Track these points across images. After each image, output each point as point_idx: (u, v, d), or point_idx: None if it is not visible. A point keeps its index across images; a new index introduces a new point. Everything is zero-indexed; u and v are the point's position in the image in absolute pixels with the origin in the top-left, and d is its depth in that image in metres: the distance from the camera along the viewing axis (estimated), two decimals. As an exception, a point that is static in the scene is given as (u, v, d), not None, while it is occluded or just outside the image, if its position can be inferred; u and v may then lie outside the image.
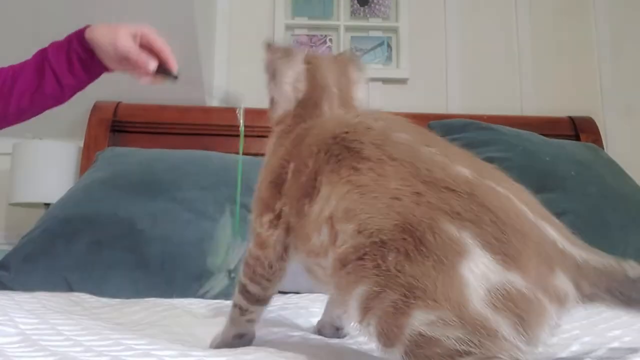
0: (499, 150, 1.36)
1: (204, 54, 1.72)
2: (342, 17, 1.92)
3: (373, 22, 1.94)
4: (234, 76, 1.89)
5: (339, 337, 0.65)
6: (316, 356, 0.51)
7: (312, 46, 1.92)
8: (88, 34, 0.86)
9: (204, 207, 1.17)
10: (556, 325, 0.38)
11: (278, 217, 0.54)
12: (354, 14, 1.94)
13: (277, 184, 0.54)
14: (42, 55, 0.90)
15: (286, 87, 0.62)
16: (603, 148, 1.71)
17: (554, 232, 0.39)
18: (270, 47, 0.66)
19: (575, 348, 0.55)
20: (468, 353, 0.35)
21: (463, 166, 0.42)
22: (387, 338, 0.39)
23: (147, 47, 0.83)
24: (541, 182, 1.19)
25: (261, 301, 0.58)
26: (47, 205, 1.57)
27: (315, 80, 0.62)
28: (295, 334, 0.65)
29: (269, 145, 0.61)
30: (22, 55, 0.95)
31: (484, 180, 0.41)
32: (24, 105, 0.90)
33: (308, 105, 0.60)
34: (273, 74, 0.63)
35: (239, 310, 0.58)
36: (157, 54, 0.83)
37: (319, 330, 0.67)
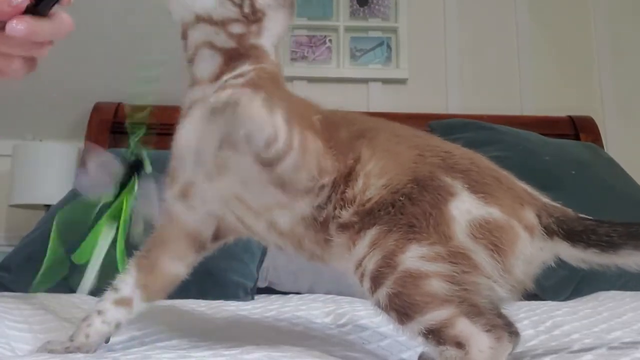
0: (498, 149, 1.36)
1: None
2: (342, 17, 1.93)
3: (372, 22, 1.94)
4: (233, 77, 1.90)
5: None
6: (317, 356, 0.51)
7: (312, 47, 1.92)
8: None
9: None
10: (530, 261, 0.45)
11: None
12: (353, 14, 1.94)
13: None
14: None
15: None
16: (603, 147, 1.71)
17: (522, 184, 0.49)
18: None
19: (577, 346, 0.55)
20: (448, 301, 0.42)
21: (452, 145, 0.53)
22: (378, 277, 0.45)
23: None
24: (540, 181, 1.18)
25: None
26: (47, 206, 1.57)
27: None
28: (296, 333, 0.65)
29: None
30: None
31: (471, 151, 0.52)
32: None
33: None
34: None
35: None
36: None
37: None
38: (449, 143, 0.53)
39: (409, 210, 0.46)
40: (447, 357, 0.43)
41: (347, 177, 0.51)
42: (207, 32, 0.57)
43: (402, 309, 0.44)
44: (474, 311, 0.43)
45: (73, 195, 1.27)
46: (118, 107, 1.68)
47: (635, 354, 0.49)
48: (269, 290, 1.15)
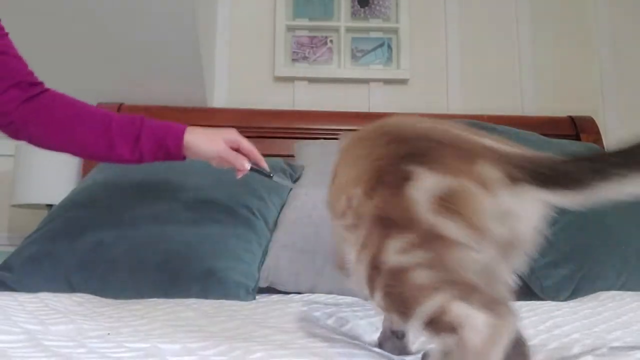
0: (499, 150, 1.36)
1: (206, 54, 1.72)
2: (343, 18, 1.93)
3: (373, 23, 1.94)
4: (235, 77, 1.90)
5: (404, 352, 0.58)
6: (319, 356, 0.51)
7: (312, 47, 1.92)
8: (187, 140, 0.99)
9: (206, 208, 1.18)
10: (503, 214, 0.42)
11: None
12: (354, 15, 1.94)
13: None
14: (134, 128, 1.00)
15: None
16: (604, 148, 1.71)
17: (490, 141, 0.46)
18: None
19: (576, 350, 0.55)
20: (437, 288, 0.41)
21: (429, 123, 0.51)
22: (370, 281, 0.45)
23: (235, 149, 1.02)
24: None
25: None
26: (49, 206, 1.58)
27: None
28: (298, 333, 0.65)
29: None
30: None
31: (439, 125, 0.50)
32: (94, 150, 1.00)
33: None
34: None
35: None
36: (246, 154, 1.02)
37: (380, 343, 0.61)
38: (420, 123, 0.51)
39: (376, 204, 0.46)
40: (445, 345, 0.41)
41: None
42: None
43: (398, 307, 0.43)
44: (466, 290, 0.40)
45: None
46: (120, 107, 1.68)
47: (636, 355, 0.49)
48: (270, 290, 1.15)
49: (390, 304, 0.44)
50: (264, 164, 1.05)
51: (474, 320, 0.39)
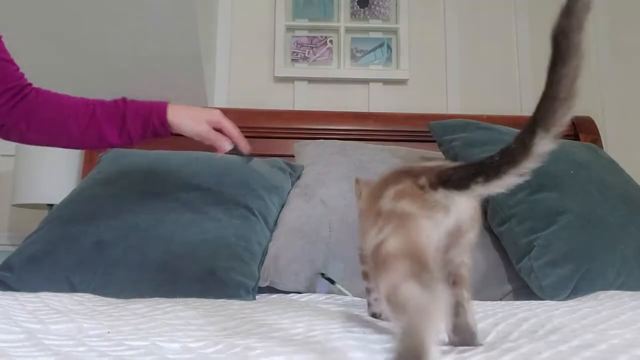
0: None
1: (206, 54, 1.73)
2: (343, 18, 1.93)
3: (373, 23, 1.95)
4: (235, 77, 1.90)
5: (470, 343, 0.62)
6: (319, 352, 0.52)
7: (312, 47, 1.93)
8: (170, 118, 1.01)
9: (206, 208, 1.18)
10: (439, 204, 0.54)
11: None
12: (354, 15, 1.95)
13: None
14: (118, 111, 1.01)
15: None
16: (602, 148, 1.71)
17: (430, 163, 0.60)
18: None
19: (576, 343, 0.56)
20: (397, 268, 0.49)
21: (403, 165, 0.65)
22: (364, 271, 0.68)
23: (219, 130, 1.03)
24: (540, 181, 1.20)
25: None
26: (50, 206, 1.58)
27: None
28: (298, 331, 0.65)
29: None
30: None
31: (409, 163, 0.65)
32: (87, 142, 1.03)
33: None
34: None
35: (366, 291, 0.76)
36: (228, 136, 1.04)
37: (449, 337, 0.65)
38: (414, 166, 0.64)
39: (370, 210, 0.61)
40: (400, 323, 0.45)
41: None
42: None
43: (374, 278, 0.58)
44: (419, 268, 0.48)
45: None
46: (120, 107, 1.68)
47: (634, 352, 0.49)
48: (270, 290, 1.15)
49: (373, 283, 0.59)
50: (243, 146, 1.05)
51: (417, 299, 0.46)
